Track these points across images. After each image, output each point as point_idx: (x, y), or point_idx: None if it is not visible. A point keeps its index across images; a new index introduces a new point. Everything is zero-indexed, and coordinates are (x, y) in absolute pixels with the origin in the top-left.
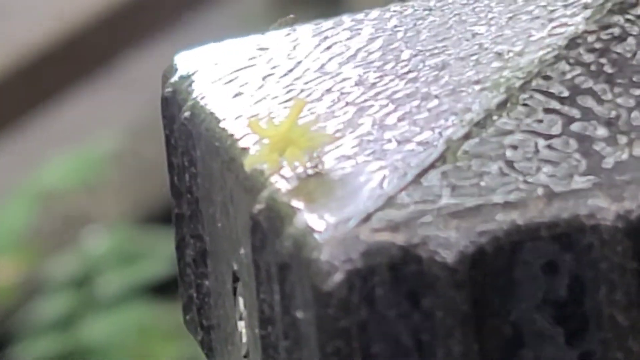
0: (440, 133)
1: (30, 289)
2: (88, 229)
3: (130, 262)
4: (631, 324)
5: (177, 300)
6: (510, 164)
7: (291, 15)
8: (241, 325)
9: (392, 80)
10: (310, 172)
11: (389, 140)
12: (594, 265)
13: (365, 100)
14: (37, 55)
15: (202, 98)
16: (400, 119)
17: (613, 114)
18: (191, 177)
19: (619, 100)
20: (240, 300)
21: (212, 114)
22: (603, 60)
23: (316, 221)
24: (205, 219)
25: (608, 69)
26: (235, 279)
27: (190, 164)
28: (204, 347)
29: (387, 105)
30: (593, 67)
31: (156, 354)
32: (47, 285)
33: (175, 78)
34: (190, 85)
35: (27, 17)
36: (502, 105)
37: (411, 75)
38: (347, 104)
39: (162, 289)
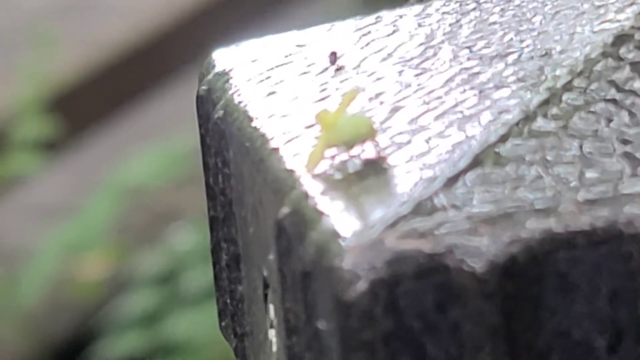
0: (475, 134)
1: (117, 285)
2: (174, 225)
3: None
4: None
5: None
6: (547, 168)
7: None
8: (272, 333)
9: (429, 78)
10: (355, 162)
11: (422, 142)
12: (633, 275)
13: (401, 100)
14: (125, 53)
15: (236, 96)
16: (435, 119)
17: None
18: (224, 179)
19: None
20: (271, 308)
21: (244, 113)
22: None
23: (340, 227)
24: (238, 222)
25: None
26: (266, 285)
27: (224, 164)
28: (237, 355)
29: (422, 104)
30: None
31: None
32: (134, 281)
33: (210, 75)
34: (225, 83)
35: (115, 14)
36: (542, 106)
37: (449, 73)
38: (382, 103)
39: None
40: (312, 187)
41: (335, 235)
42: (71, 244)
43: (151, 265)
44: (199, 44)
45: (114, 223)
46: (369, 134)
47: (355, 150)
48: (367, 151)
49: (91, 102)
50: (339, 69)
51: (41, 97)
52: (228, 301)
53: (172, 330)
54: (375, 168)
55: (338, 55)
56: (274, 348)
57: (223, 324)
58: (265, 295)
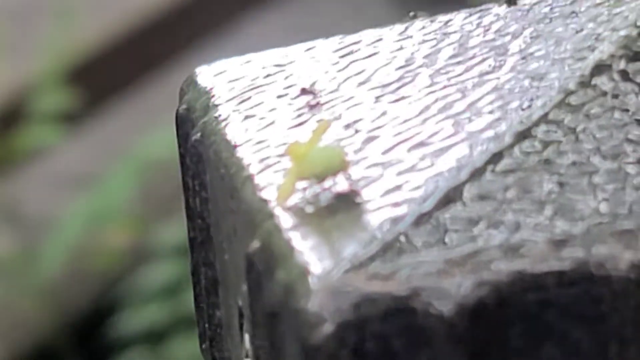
0: (447, 170)
1: (139, 256)
2: None
3: None
4: None
5: None
6: (518, 206)
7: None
8: None
9: (406, 106)
10: (327, 195)
11: (394, 176)
12: (603, 319)
13: (375, 129)
14: (146, 22)
15: (214, 118)
16: (408, 150)
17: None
18: (202, 202)
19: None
20: (247, 337)
21: (221, 136)
22: None
23: (308, 266)
24: (215, 247)
25: None
26: (242, 314)
27: (201, 187)
28: None
29: (397, 134)
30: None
31: None
32: (155, 253)
33: (191, 94)
34: (204, 103)
35: None
36: (517, 139)
37: (426, 101)
38: (357, 131)
39: None
40: (283, 221)
41: (303, 274)
42: (93, 215)
43: (173, 236)
44: (222, 14)
45: (137, 194)
46: (341, 166)
47: (327, 183)
48: (339, 184)
49: (113, 72)
50: (313, 106)
51: (62, 69)
52: (207, 325)
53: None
54: (347, 202)
55: (311, 89)
56: None
57: (203, 346)
58: (242, 324)
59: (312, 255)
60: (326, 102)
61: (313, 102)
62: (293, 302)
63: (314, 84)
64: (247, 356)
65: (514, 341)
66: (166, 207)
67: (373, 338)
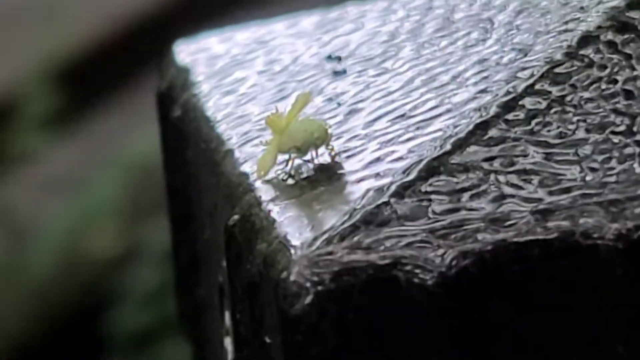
0: (431, 140)
1: (126, 258)
2: None
3: None
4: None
5: None
6: (503, 176)
7: None
8: (227, 341)
9: (389, 79)
10: (309, 166)
11: (376, 147)
12: (591, 289)
13: (358, 102)
14: (134, 26)
15: (195, 94)
16: (391, 123)
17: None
18: (184, 179)
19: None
20: (227, 315)
21: (202, 112)
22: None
23: (288, 237)
24: (196, 224)
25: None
26: (221, 291)
27: (183, 164)
28: (196, 358)
29: (380, 107)
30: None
31: None
32: (142, 255)
33: (171, 71)
34: (184, 79)
35: None
36: (502, 110)
37: (410, 74)
38: (339, 105)
39: None
40: (263, 193)
41: (283, 245)
42: (80, 218)
43: (158, 239)
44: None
45: (124, 197)
46: (322, 139)
47: (309, 155)
48: (321, 156)
49: (100, 77)
50: (339, 72)
51: (50, 71)
52: (187, 304)
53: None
54: (328, 174)
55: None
56: (230, 357)
57: (184, 326)
58: (222, 302)
59: (293, 226)
60: (307, 78)
61: (339, 68)
62: (273, 273)
63: (339, 50)
64: (227, 334)
65: (498, 313)
66: (154, 210)
67: (354, 308)
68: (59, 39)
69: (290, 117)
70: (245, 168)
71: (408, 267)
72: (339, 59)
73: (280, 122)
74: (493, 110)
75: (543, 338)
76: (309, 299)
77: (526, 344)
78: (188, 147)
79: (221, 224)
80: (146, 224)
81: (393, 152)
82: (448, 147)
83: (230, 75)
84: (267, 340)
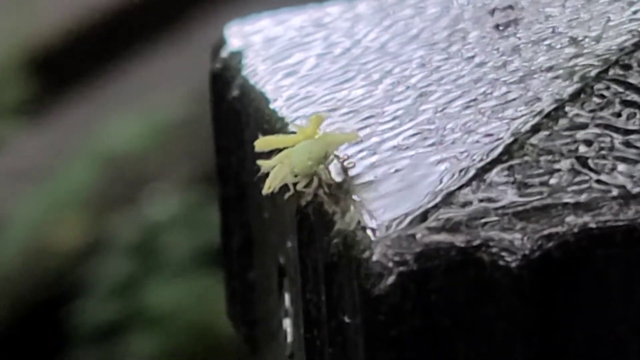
0: (507, 124)
1: (92, 251)
2: (150, 193)
3: (193, 227)
4: None
5: None
6: (582, 160)
7: None
8: (286, 323)
9: (457, 64)
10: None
11: (452, 130)
12: None
13: (428, 85)
14: (106, 16)
15: (253, 76)
16: (464, 107)
17: None
18: (239, 161)
19: None
20: (287, 297)
21: (262, 93)
22: None
23: (369, 218)
24: (252, 206)
25: None
26: (282, 274)
27: (239, 146)
28: (247, 342)
29: (451, 91)
30: None
31: (216, 323)
32: (110, 247)
33: (225, 53)
34: (240, 61)
35: None
36: (575, 96)
37: (478, 60)
38: (408, 88)
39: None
40: (337, 175)
41: (364, 226)
42: (47, 209)
43: (127, 232)
44: (182, 10)
45: (91, 188)
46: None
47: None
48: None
49: (70, 66)
50: (512, 21)
51: (19, 61)
52: (238, 287)
53: (147, 299)
54: (401, 159)
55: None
56: (289, 338)
57: (232, 310)
58: (281, 284)
59: (373, 206)
60: (371, 61)
61: (512, 17)
62: (354, 253)
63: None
64: (286, 315)
65: (580, 296)
66: (121, 201)
67: (437, 289)
68: (29, 28)
69: (298, 138)
70: None
71: (492, 250)
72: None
73: (291, 139)
74: (569, 95)
75: (624, 323)
76: (391, 280)
77: (608, 329)
78: (246, 128)
79: (287, 205)
80: (114, 216)
81: (470, 134)
82: (527, 129)
83: (289, 57)
84: (346, 320)
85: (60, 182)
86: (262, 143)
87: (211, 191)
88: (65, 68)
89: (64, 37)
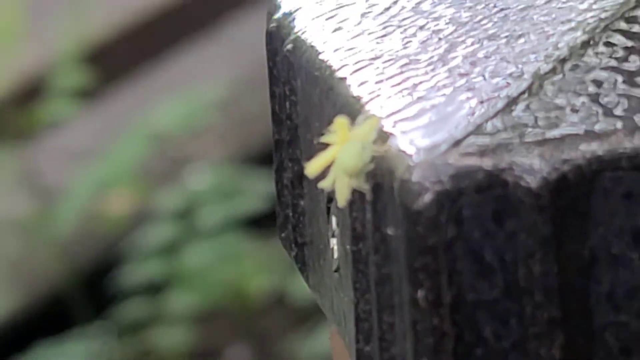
0: (528, 68)
1: (140, 219)
2: (192, 168)
3: (229, 197)
4: None
5: (270, 235)
6: (593, 98)
7: None
8: (333, 242)
9: (483, 19)
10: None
11: (479, 74)
12: None
13: (457, 37)
14: (156, 11)
15: (304, 32)
16: (489, 55)
17: None
18: (291, 105)
19: None
20: (334, 219)
21: (312, 46)
22: None
23: (408, 145)
24: (302, 144)
25: None
26: (329, 199)
27: (291, 92)
28: (297, 261)
29: (477, 42)
30: None
31: (247, 281)
32: (155, 216)
33: (279, 14)
34: (293, 20)
35: None
36: (586, 44)
37: (502, 14)
38: (440, 39)
39: (257, 224)
40: (380, 112)
41: (404, 152)
42: (101, 182)
43: (171, 202)
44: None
45: (139, 165)
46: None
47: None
48: (423, 86)
49: (123, 56)
50: None
51: (80, 51)
52: (290, 214)
53: (187, 260)
54: (436, 97)
55: None
56: (335, 255)
57: (283, 235)
58: (328, 208)
59: (413, 135)
60: (407, 18)
61: None
62: (396, 175)
63: None
64: (333, 235)
65: (590, 212)
66: (166, 177)
67: (468, 206)
68: (87, 22)
69: (345, 137)
70: (359, 91)
71: (515, 172)
72: None
73: (340, 134)
74: (581, 42)
75: (626, 233)
76: (428, 197)
77: (614, 237)
78: (297, 76)
79: None
80: (159, 188)
81: (496, 76)
82: (546, 72)
83: (336, 16)
84: (389, 232)
85: (112, 159)
86: (313, 168)
87: (244, 167)
88: (119, 58)
89: (117, 30)
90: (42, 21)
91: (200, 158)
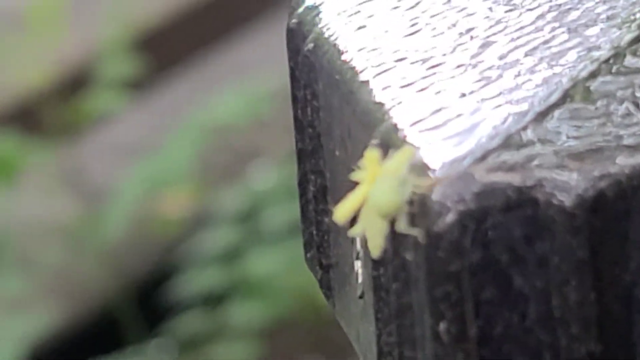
0: (566, 70)
1: (198, 221)
2: (255, 164)
3: (291, 198)
4: None
5: None
6: (636, 104)
7: None
8: (357, 264)
9: (520, 15)
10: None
11: (513, 77)
12: None
13: (491, 35)
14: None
15: (326, 30)
16: (525, 55)
17: None
18: (313, 111)
19: None
20: (357, 239)
21: (334, 46)
22: None
23: (430, 158)
24: (325, 154)
25: None
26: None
27: (313, 97)
28: (322, 286)
29: (512, 40)
30: None
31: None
32: (215, 218)
33: (300, 9)
34: (315, 16)
35: None
36: (632, 43)
37: (540, 11)
38: (472, 38)
39: None
40: (402, 120)
41: (424, 166)
42: (154, 181)
43: (233, 203)
44: None
45: (196, 161)
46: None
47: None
48: (450, 91)
49: (176, 44)
50: None
51: (128, 37)
52: (314, 233)
53: (250, 267)
54: (463, 103)
55: None
56: (360, 279)
57: (308, 255)
58: (352, 227)
59: (434, 148)
60: (438, 14)
61: None
62: (417, 192)
63: None
64: (357, 258)
65: (631, 233)
66: (225, 175)
67: (494, 227)
68: (138, 11)
69: (377, 173)
70: (382, 97)
71: (547, 189)
72: None
73: (371, 169)
74: (626, 42)
75: None
76: (450, 218)
77: None
78: (319, 79)
79: (356, 150)
80: (219, 187)
81: (530, 80)
82: (583, 75)
83: (360, 12)
84: (408, 257)
85: (166, 155)
86: (341, 213)
87: None
88: (170, 48)
89: (169, 20)
90: (87, 5)
91: (265, 153)
